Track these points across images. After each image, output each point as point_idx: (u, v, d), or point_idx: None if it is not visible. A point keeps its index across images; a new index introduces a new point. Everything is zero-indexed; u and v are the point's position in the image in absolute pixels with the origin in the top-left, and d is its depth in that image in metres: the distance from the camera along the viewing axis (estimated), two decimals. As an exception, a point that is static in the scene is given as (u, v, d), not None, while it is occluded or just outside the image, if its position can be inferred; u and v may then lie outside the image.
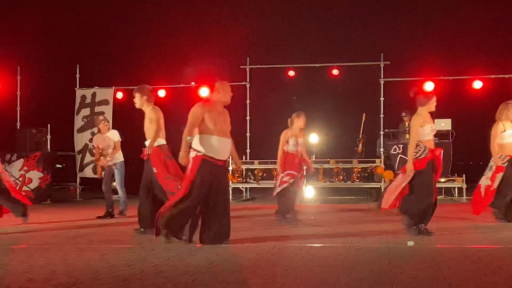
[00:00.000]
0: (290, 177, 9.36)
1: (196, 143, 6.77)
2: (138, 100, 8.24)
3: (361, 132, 15.40)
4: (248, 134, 16.18)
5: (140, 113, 17.79)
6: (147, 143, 8.10)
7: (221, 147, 6.83)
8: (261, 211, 11.74)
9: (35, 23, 17.28)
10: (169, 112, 16.91)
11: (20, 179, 14.91)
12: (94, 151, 11.38)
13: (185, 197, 6.70)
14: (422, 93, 7.92)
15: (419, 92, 7.94)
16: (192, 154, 6.75)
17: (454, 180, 14.32)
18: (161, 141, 8.13)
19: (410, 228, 7.53)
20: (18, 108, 16.80)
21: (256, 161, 14.94)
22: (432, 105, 7.67)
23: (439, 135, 14.41)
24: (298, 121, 9.60)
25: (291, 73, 16.18)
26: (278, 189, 9.50)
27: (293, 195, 9.56)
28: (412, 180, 7.48)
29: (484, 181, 9.05)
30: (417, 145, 7.50)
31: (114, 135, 10.72)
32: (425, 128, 7.54)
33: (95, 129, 16.24)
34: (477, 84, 15.25)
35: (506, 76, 15.10)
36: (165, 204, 6.90)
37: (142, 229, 8.01)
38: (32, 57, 17.32)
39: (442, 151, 7.70)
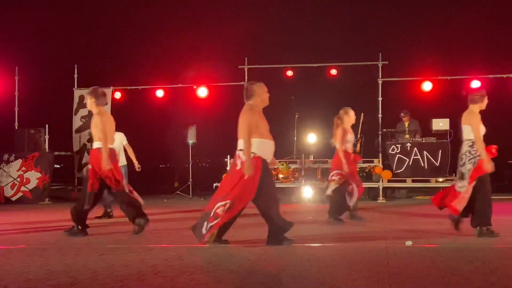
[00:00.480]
0: (341, 177, 9.20)
1: (255, 147, 6.75)
2: (88, 103, 8.30)
3: (359, 132, 15.39)
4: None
5: (139, 114, 17.72)
6: (93, 145, 8.11)
7: (270, 150, 6.92)
8: (258, 211, 11.72)
9: (33, 24, 17.27)
10: (167, 112, 16.97)
11: (18, 179, 14.90)
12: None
13: (253, 199, 6.74)
14: (475, 91, 7.62)
15: (472, 89, 7.66)
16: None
17: (452, 180, 14.31)
18: (99, 144, 8.01)
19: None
20: (16, 109, 16.78)
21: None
22: (485, 103, 7.50)
23: (438, 134, 14.45)
24: (348, 118, 9.42)
25: (289, 73, 16.18)
26: (329, 190, 9.33)
27: (347, 195, 9.35)
28: (477, 185, 7.25)
29: None
30: (474, 144, 7.32)
31: (123, 138, 10.72)
32: (482, 126, 7.41)
33: (92, 129, 16.22)
34: (475, 84, 15.24)
35: (504, 75, 15.11)
36: (233, 212, 6.73)
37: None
38: (30, 57, 17.33)
39: (497, 147, 7.49)
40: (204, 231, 6.62)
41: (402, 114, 14.94)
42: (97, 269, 5.36)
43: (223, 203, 6.63)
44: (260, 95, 6.99)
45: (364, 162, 14.60)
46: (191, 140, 16.37)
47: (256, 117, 6.84)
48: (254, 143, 6.75)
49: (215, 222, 6.58)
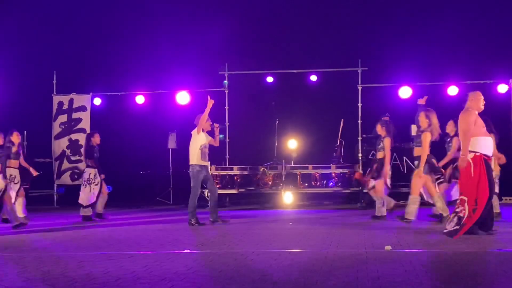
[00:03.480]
0: None
1: (473, 145, 7.57)
2: None
3: (339, 138, 15.47)
4: (227, 140, 16.17)
5: (119, 120, 17.59)
6: None
7: (489, 145, 7.73)
8: (239, 217, 11.73)
9: (10, 29, 17.10)
10: (147, 118, 16.90)
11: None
12: (202, 150, 10.22)
13: (489, 195, 7.51)
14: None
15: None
16: (471, 155, 7.54)
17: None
18: None
19: None
20: (-6, 115, 16.59)
21: (235, 167, 14.92)
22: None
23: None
24: None
25: (270, 79, 16.22)
26: None
27: None
28: None
29: None
30: None
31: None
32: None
33: (72, 136, 16.12)
34: (453, 90, 15.43)
35: (481, 82, 15.28)
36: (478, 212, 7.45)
37: None
38: (8, 63, 17.13)
39: None
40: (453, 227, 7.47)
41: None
42: (75, 277, 5.31)
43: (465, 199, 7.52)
44: (473, 100, 7.88)
45: (345, 167, 14.66)
46: (171, 146, 16.31)
47: (473, 118, 7.65)
48: (476, 142, 7.56)
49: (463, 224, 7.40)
